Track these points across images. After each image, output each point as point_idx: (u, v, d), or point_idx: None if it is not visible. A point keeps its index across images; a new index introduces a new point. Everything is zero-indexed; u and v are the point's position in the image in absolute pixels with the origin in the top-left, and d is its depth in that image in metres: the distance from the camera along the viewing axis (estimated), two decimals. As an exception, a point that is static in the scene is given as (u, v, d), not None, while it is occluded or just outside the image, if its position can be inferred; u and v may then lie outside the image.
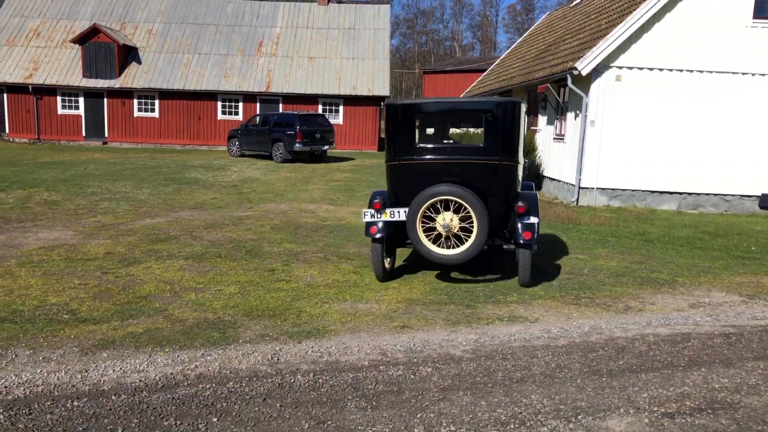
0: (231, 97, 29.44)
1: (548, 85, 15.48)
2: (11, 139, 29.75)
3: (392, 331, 5.57)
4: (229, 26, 31.52)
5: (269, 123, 22.89)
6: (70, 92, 29.40)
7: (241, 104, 29.49)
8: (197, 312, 5.88)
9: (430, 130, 6.84)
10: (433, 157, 6.45)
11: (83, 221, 10.32)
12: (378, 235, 6.62)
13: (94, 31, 28.93)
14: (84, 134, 29.75)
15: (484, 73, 27.64)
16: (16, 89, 29.29)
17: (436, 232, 6.37)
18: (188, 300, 6.24)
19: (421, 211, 6.30)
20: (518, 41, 26.65)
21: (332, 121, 28.76)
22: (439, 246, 6.42)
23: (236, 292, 6.52)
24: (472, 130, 7.10)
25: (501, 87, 19.98)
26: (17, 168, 18.18)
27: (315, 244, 8.93)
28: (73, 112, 29.62)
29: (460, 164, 6.40)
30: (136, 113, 29.60)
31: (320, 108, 29.40)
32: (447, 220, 6.25)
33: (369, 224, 6.67)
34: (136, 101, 29.50)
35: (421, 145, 6.54)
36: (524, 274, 6.69)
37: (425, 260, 8.01)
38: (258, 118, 24.10)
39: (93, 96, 29.46)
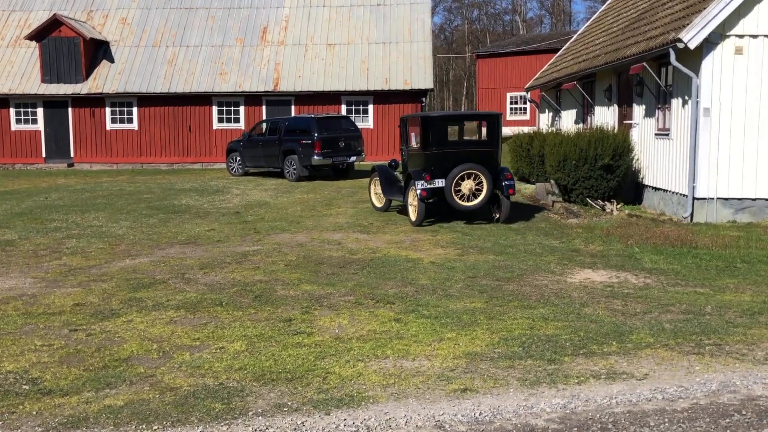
0: (229, 100, 30.00)
1: (644, 64, 15.35)
2: (-46, 165, 30.78)
3: (450, 396, 5.50)
4: (224, 9, 32.28)
5: (279, 130, 23.19)
6: (25, 102, 30.37)
7: (242, 108, 30.00)
8: (193, 377, 5.91)
9: (452, 131, 15.16)
10: (455, 148, 13.85)
11: (45, 265, 10.53)
12: (426, 196, 13.35)
13: (54, 23, 29.93)
14: (44, 155, 30.61)
15: (558, 54, 27.60)
16: (-41, 101, 30.42)
17: (461, 193, 13.47)
18: (181, 362, 6.28)
19: (455, 180, 13.36)
20: (601, 9, 26.58)
21: (360, 124, 29.02)
22: (462, 200, 13.53)
23: (243, 350, 6.55)
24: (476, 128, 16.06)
25: (581, 69, 19.88)
26: (-38, 200, 18.76)
27: (343, 285, 8.94)
28: (30, 127, 30.55)
29: (473, 152, 13.82)
30: (109, 125, 30.38)
31: (344, 109, 29.70)
32: (469, 185, 13.43)
33: (422, 189, 13.38)
34: (108, 110, 30.28)
35: (450, 140, 14.17)
36: (506, 214, 13.86)
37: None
38: (264, 125, 24.44)
39: (54, 105, 30.38)
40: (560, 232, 13.05)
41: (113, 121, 30.37)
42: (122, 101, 30.25)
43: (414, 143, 14.33)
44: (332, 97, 29.70)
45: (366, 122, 29.71)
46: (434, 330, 7.07)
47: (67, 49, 29.97)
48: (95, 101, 30.21)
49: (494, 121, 13.91)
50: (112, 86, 29.84)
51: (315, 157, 21.99)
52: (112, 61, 30.68)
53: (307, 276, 9.50)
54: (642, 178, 16.51)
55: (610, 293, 8.51)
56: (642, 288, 8.76)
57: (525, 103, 45.34)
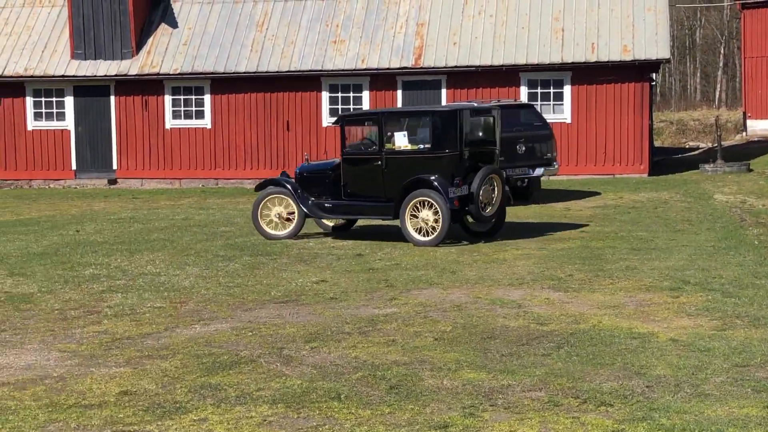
0: (347, 83, 30.57)
1: None
2: (-53, 182, 32.65)
3: None
4: (341, -58, 32.90)
5: (423, 128, 23.37)
6: (48, 88, 32.01)
7: (366, 94, 30.47)
8: None
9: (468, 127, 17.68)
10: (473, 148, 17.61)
11: (77, 332, 10.88)
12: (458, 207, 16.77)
13: (91, -30, 31.38)
14: (74, 166, 32.07)
15: None
16: (-44, 88, 32.28)
17: (482, 201, 16.92)
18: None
19: (482, 185, 16.79)
20: None
21: (550, 117, 28.75)
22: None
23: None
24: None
25: None
26: (-42, 234, 19.80)
27: (528, 373, 8.81)
28: (54, 124, 32.08)
29: (486, 152, 17.85)
30: (169, 122, 31.54)
31: (525, 93, 29.64)
32: (488, 191, 17.01)
33: (456, 198, 16.45)
34: (169, 99, 31.53)
35: (467, 139, 17.49)
36: (502, 222, 18.16)
37: None
38: (400, 120, 24.63)
39: (90, 93, 31.86)
40: None
41: (175, 115, 31.54)
42: (189, 86, 31.36)
43: (399, 142, 17.63)
44: (506, 76, 29.74)
45: (560, 114, 29.55)
46: (680, 452, 6.85)
47: (109, 7, 31.41)
48: (149, 86, 31.55)
49: (497, 114, 18.07)
50: (175, 63, 31.08)
51: (480, 169, 22.07)
52: (174, 25, 31.95)
53: (471, 357, 9.40)
54: None
55: None
56: None
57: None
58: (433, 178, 16.65)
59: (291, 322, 11.22)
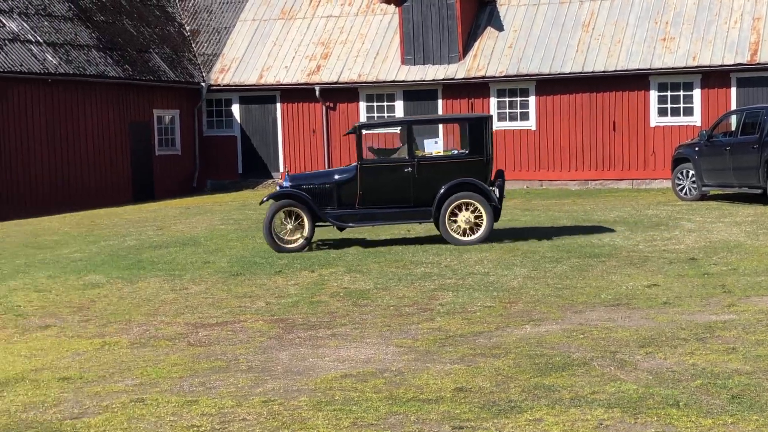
0: (676, 81, 30.02)
1: None
2: (286, 183, 34.54)
3: None
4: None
5: (760, 127, 22.69)
6: (380, 93, 33.25)
7: (697, 93, 29.76)
8: None
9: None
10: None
11: (412, 328, 11.32)
12: None
13: (421, -23, 32.33)
14: (405, 166, 33.12)
15: None
16: (294, 94, 34.14)
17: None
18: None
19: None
20: None
21: None
22: None
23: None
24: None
25: None
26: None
27: None
28: (387, 129, 33.21)
29: None
30: (495, 124, 31.72)
31: None
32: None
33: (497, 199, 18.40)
34: (494, 101, 31.99)
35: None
36: None
37: None
38: (734, 120, 24.01)
39: (418, 97, 32.84)
40: None
41: (500, 117, 31.91)
42: (513, 88, 31.70)
43: (430, 149, 18.97)
44: None
45: None
46: None
47: (437, 13, 32.24)
48: (475, 89, 32.19)
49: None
50: (500, 66, 31.49)
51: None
52: (500, 28, 32.36)
53: (820, 368, 9.03)
54: None
55: None
56: None
57: None
58: (477, 181, 17.95)
59: (623, 325, 11.15)
